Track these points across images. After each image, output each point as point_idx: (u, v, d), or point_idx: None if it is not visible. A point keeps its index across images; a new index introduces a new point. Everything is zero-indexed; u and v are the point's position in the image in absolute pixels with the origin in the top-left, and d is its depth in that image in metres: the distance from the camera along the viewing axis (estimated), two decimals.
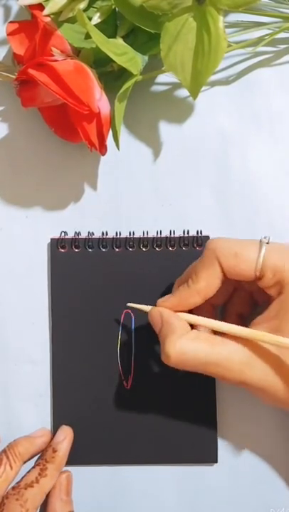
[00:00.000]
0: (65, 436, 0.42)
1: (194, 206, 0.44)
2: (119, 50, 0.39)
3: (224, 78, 0.45)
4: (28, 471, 0.40)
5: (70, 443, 0.42)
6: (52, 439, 0.42)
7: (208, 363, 0.36)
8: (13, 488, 0.39)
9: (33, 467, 0.41)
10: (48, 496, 0.41)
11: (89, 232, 0.44)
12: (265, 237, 0.37)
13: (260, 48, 0.44)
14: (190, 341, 0.36)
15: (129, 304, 0.42)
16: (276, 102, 0.45)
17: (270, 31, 0.44)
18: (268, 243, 0.36)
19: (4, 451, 0.40)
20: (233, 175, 0.45)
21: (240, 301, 0.42)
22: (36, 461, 0.42)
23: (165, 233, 0.44)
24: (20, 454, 0.40)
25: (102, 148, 0.41)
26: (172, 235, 0.44)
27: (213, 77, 0.45)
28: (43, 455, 0.41)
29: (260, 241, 0.37)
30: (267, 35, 0.44)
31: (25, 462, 0.41)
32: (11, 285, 0.44)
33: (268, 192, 0.45)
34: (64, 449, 0.41)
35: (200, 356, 0.35)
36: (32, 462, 0.41)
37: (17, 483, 0.40)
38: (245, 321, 0.41)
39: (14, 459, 0.40)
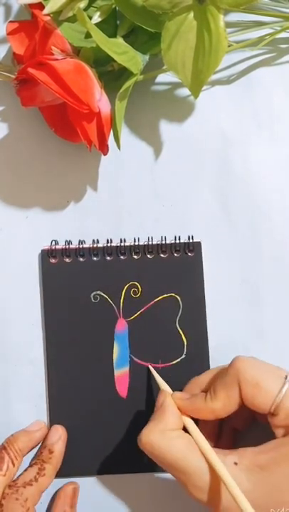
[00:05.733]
0: (59, 435, 0.41)
1: (195, 206, 0.44)
2: (119, 50, 0.39)
3: (225, 77, 0.45)
4: (25, 470, 0.40)
5: (64, 442, 0.42)
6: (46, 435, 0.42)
7: (173, 467, 0.35)
8: (10, 486, 0.39)
9: (30, 466, 0.40)
10: (51, 506, 0.41)
11: (80, 241, 0.43)
12: None
13: (261, 48, 0.44)
14: (166, 439, 0.36)
15: (151, 368, 0.42)
16: (277, 102, 0.45)
17: (271, 31, 0.44)
18: None
19: (4, 447, 0.40)
20: (234, 174, 0.45)
21: (241, 416, 0.40)
22: (32, 460, 0.41)
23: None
24: (20, 449, 0.40)
25: (104, 148, 0.41)
26: (164, 242, 0.43)
27: (213, 77, 0.45)
28: (39, 455, 0.41)
29: (286, 377, 0.36)
30: (267, 34, 0.44)
31: (23, 456, 0.41)
32: (11, 285, 0.44)
33: (268, 192, 0.44)
34: (60, 449, 0.41)
35: (167, 457, 0.35)
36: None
37: (13, 481, 0.39)
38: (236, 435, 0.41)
39: (15, 455, 0.40)
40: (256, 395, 0.35)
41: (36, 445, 0.42)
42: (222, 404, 0.36)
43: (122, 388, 0.43)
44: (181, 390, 0.41)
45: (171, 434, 0.36)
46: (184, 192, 0.44)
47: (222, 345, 0.43)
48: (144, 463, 0.42)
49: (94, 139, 0.40)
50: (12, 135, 0.45)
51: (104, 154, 0.41)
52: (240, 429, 0.41)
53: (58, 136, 0.43)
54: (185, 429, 0.37)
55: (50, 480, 0.40)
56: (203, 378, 0.40)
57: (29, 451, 0.41)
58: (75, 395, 0.42)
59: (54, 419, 0.42)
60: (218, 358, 0.43)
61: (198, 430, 0.37)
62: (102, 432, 0.42)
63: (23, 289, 0.44)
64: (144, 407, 0.42)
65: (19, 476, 0.40)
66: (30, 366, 0.43)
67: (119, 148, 0.41)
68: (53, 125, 0.43)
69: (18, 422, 0.43)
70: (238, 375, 0.36)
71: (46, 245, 0.43)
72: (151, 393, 0.42)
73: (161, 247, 0.43)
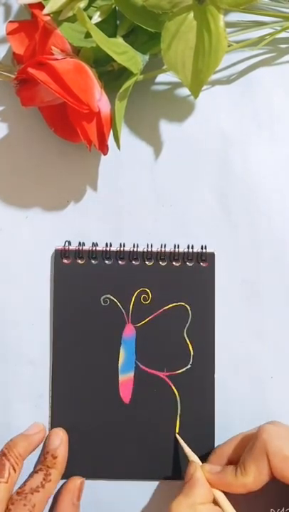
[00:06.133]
0: (61, 439, 0.41)
1: (195, 207, 0.44)
2: (119, 49, 0.39)
3: (225, 77, 0.45)
4: (31, 476, 0.40)
5: (66, 445, 0.42)
6: (46, 438, 0.42)
7: None
8: (18, 492, 0.39)
9: (36, 472, 0.40)
10: (58, 499, 0.41)
11: (93, 243, 0.43)
12: None
13: (261, 48, 0.44)
14: None
15: (178, 437, 0.42)
16: (277, 102, 0.45)
17: (271, 31, 0.44)
18: None
19: (4, 453, 0.40)
20: (234, 174, 0.45)
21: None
22: (36, 466, 0.41)
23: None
24: (20, 454, 0.40)
25: (104, 148, 0.41)
26: (177, 250, 0.43)
27: (213, 77, 0.45)
28: (43, 461, 0.41)
29: None
30: (267, 34, 0.44)
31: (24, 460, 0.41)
32: (11, 286, 0.44)
33: (268, 192, 0.44)
34: (63, 453, 0.41)
35: None
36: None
37: (20, 487, 0.39)
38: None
39: (16, 460, 0.40)
40: (285, 468, 0.36)
41: (36, 448, 0.42)
42: (253, 479, 0.36)
43: (126, 393, 0.43)
44: (184, 398, 0.41)
45: (201, 508, 0.36)
46: (184, 192, 0.44)
47: (221, 345, 0.43)
48: (146, 470, 0.42)
49: (94, 138, 0.40)
50: (12, 135, 0.45)
51: (104, 154, 0.41)
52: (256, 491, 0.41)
53: (57, 136, 0.43)
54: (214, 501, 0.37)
55: (56, 484, 0.40)
56: (227, 448, 0.40)
57: (29, 455, 0.41)
58: (79, 397, 0.42)
59: (57, 420, 0.42)
60: (217, 357, 0.43)
61: (229, 504, 0.37)
62: (102, 435, 0.42)
63: (23, 289, 0.44)
64: (146, 414, 0.42)
65: (25, 482, 0.40)
66: (30, 366, 0.43)
67: (119, 148, 0.41)
68: (52, 125, 0.43)
69: (18, 422, 0.43)
70: (266, 447, 0.36)
71: (59, 245, 0.43)
72: (154, 400, 0.42)
73: (174, 255, 0.43)
